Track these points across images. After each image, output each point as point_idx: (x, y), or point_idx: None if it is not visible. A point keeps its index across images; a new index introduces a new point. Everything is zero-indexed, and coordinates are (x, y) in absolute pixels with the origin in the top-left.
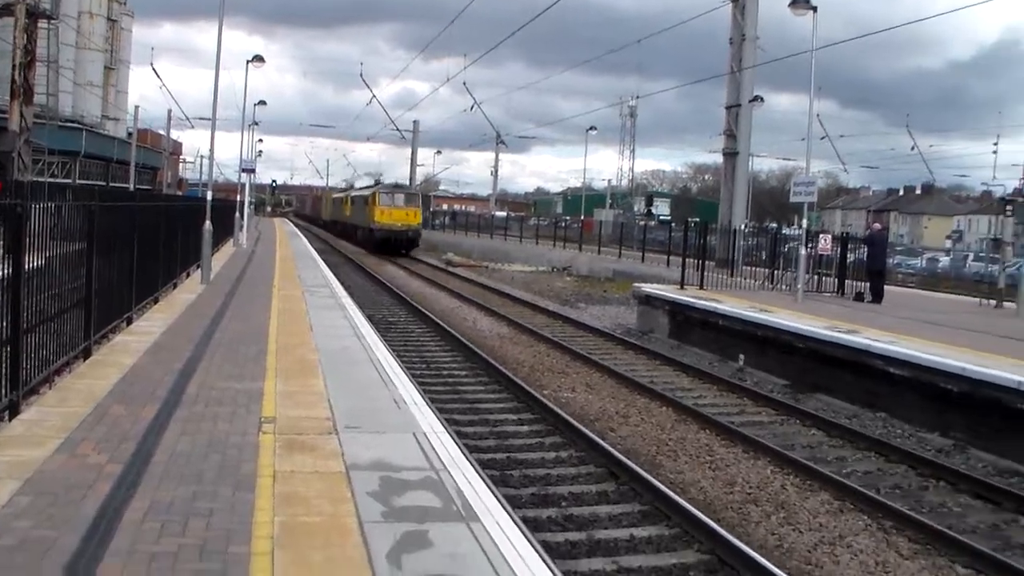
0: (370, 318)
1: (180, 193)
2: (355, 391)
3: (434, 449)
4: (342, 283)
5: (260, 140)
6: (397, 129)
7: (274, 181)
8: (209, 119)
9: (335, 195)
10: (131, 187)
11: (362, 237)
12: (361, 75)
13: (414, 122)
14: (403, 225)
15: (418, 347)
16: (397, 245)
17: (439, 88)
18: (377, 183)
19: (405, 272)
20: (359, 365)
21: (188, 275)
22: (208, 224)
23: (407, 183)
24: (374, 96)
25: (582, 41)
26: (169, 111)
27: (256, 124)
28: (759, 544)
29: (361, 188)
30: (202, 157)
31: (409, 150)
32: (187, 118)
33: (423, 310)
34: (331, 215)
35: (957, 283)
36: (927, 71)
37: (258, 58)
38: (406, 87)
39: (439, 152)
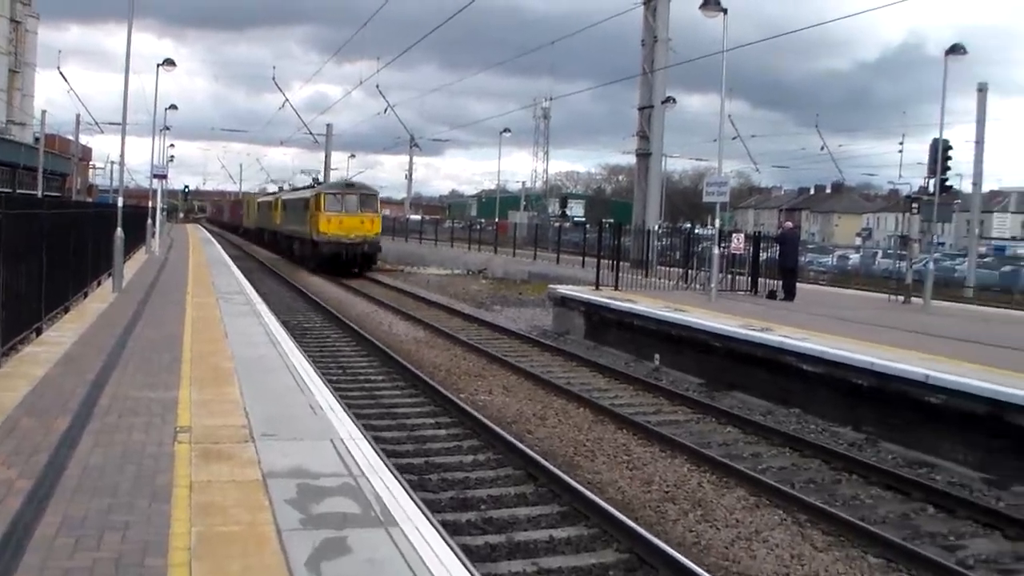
0: (285, 324)
1: (90, 200)
2: (271, 398)
3: (352, 455)
4: (256, 289)
5: (172, 145)
6: (310, 133)
7: (186, 187)
8: (119, 124)
9: (261, 199)
10: (39, 194)
11: (301, 251)
12: (274, 78)
13: (327, 126)
14: (357, 236)
15: (334, 352)
16: (348, 263)
17: (352, 91)
18: (316, 182)
19: (320, 277)
20: (275, 372)
21: (99, 284)
22: (119, 231)
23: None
24: (287, 100)
25: (495, 43)
26: (77, 116)
27: (167, 129)
28: (677, 542)
29: (298, 189)
30: (112, 163)
31: (323, 154)
32: (96, 123)
33: (338, 315)
34: (256, 223)
35: (867, 280)
36: (835, 72)
37: (169, 62)
38: (319, 90)
39: (353, 156)
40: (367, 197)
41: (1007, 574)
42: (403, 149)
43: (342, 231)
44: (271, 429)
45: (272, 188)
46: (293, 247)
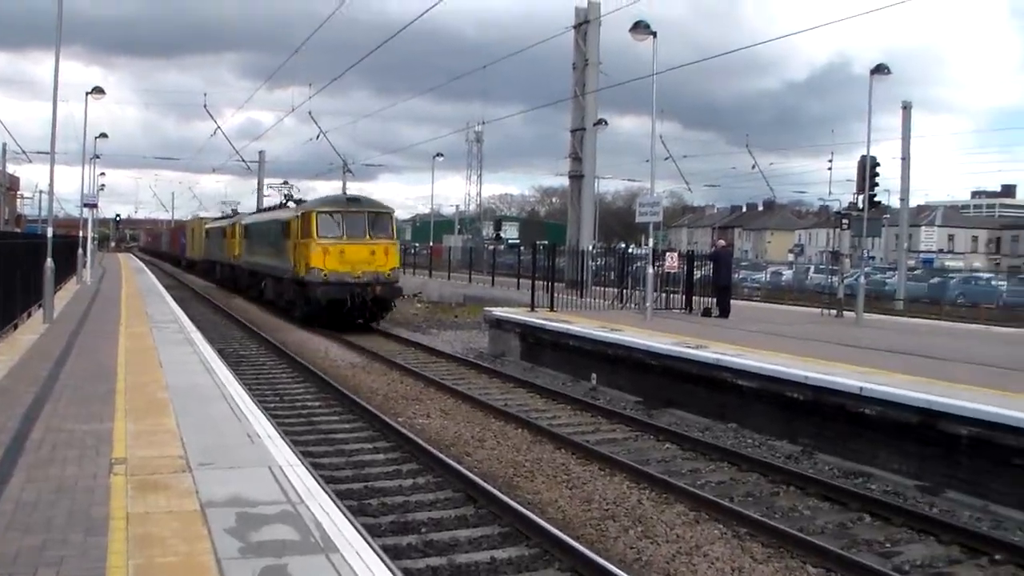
0: (220, 352)
1: (18, 230)
2: (208, 427)
3: (290, 482)
4: (190, 317)
5: (102, 174)
6: (242, 160)
7: (118, 215)
8: (47, 153)
9: (212, 224)
10: None
11: (278, 294)
12: (205, 106)
13: (260, 153)
14: (367, 274)
15: (271, 380)
16: (356, 311)
17: (284, 118)
18: (293, 201)
19: (255, 305)
20: (211, 401)
21: (30, 315)
22: (50, 261)
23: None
24: (218, 127)
25: (428, 68)
26: (4, 145)
27: (97, 157)
28: (618, 559)
29: (267, 210)
30: (41, 192)
31: (255, 181)
32: (24, 152)
33: (274, 342)
34: (205, 254)
35: (800, 295)
36: (765, 92)
37: (98, 90)
38: (251, 117)
39: (286, 182)
40: (378, 217)
41: None
42: (336, 175)
43: (344, 266)
44: (208, 458)
45: (207, 215)
46: (264, 288)
